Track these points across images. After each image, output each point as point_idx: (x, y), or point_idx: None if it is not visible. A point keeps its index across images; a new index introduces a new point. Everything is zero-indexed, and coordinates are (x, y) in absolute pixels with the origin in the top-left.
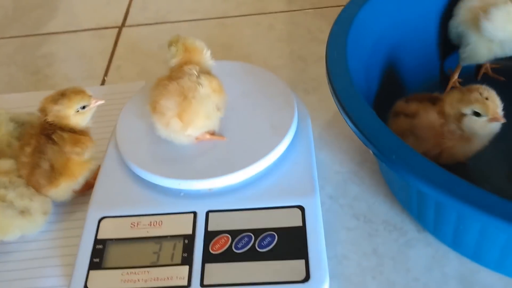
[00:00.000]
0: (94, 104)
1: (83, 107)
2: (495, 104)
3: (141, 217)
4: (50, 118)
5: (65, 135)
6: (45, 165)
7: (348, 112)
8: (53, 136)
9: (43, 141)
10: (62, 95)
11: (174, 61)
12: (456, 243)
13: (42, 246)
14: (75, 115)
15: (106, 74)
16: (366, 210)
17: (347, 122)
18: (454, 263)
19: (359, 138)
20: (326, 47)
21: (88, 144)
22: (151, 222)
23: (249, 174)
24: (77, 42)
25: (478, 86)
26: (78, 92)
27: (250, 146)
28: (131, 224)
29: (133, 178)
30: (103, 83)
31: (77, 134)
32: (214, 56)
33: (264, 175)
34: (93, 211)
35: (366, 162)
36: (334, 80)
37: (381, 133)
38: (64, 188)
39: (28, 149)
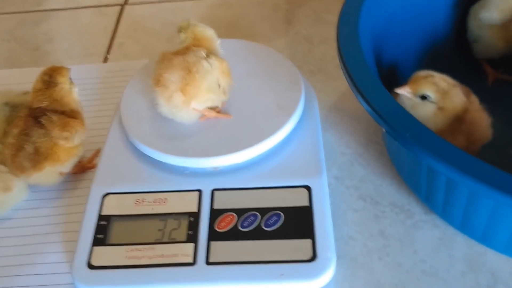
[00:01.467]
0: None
1: (70, 79)
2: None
3: (146, 194)
4: (50, 105)
5: (55, 117)
6: (29, 148)
7: (361, 89)
8: (41, 119)
9: (30, 123)
10: (51, 76)
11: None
12: (464, 225)
13: (43, 222)
14: (71, 88)
15: (108, 51)
16: (373, 192)
17: (359, 100)
18: (461, 245)
19: (372, 116)
20: (338, 22)
21: (78, 128)
22: (156, 199)
23: (255, 153)
24: (79, 19)
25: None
26: (59, 67)
27: (256, 125)
28: (136, 201)
29: (137, 155)
30: (105, 60)
31: (69, 116)
32: (218, 36)
33: (271, 155)
34: (97, 187)
35: (372, 144)
36: (345, 56)
37: (394, 111)
38: (49, 173)
39: (15, 131)
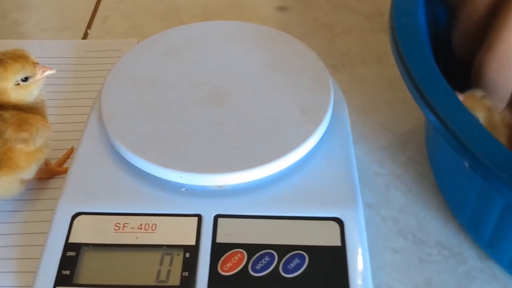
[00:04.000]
0: (41, 75)
1: (25, 79)
2: None
3: (129, 217)
4: None
5: (7, 114)
6: None
7: (444, 116)
8: None
9: None
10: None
11: None
12: None
13: None
14: (16, 89)
15: (89, 26)
16: (415, 227)
17: (433, 123)
18: None
19: (458, 152)
20: (391, 10)
21: (39, 126)
22: (141, 225)
23: (272, 170)
24: None
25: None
26: (17, 58)
27: (274, 134)
28: (116, 225)
29: (120, 163)
30: (85, 37)
31: (24, 111)
32: (223, 17)
33: (291, 173)
34: (65, 204)
35: (412, 163)
36: (409, 59)
37: (483, 139)
38: (5, 183)
39: None
